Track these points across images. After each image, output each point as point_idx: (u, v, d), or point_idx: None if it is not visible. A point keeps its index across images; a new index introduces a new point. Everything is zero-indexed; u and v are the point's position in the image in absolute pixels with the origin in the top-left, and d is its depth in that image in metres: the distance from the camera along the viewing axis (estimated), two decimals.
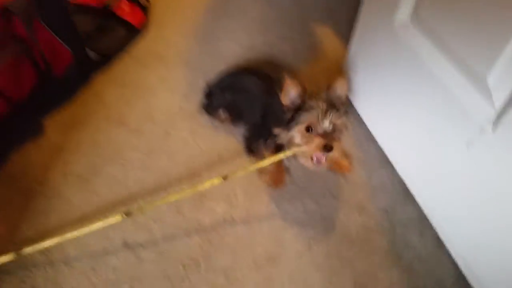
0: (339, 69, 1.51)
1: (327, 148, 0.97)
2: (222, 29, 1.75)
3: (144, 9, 1.75)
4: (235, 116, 1.32)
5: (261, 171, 1.23)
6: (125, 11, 1.68)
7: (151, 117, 1.38)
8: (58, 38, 1.28)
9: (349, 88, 1.04)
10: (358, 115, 1.38)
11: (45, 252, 1.03)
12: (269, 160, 1.05)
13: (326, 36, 1.75)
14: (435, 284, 1.05)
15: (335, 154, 0.99)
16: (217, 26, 1.76)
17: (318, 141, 0.98)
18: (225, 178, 1.03)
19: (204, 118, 1.38)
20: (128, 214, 0.97)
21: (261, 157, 1.17)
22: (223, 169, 1.24)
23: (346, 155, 1.29)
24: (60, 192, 1.16)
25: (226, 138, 1.33)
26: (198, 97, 1.44)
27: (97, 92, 1.45)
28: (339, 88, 1.04)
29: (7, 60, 1.14)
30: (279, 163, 1.20)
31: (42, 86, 1.28)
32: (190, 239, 1.10)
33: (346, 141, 1.33)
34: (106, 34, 1.61)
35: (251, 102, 1.24)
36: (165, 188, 1.19)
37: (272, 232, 1.12)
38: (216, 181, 1.03)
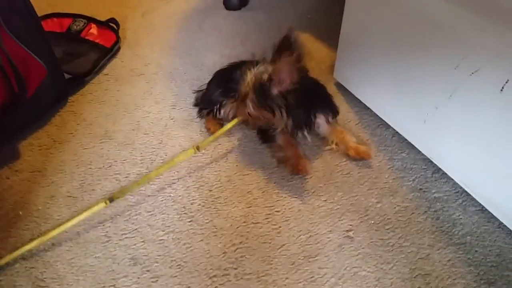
0: (327, 68, 1.45)
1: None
2: (199, 43, 1.65)
3: (115, 31, 1.64)
4: None
5: (280, 161, 1.11)
6: (94, 34, 1.61)
7: (140, 129, 1.23)
8: (28, 50, 1.13)
9: (296, 70, 0.94)
10: (361, 102, 1.29)
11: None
12: (228, 126, 1.07)
13: (308, 41, 1.69)
14: (497, 257, 0.92)
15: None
16: (193, 41, 1.66)
17: None
18: (198, 148, 1.05)
19: (201, 125, 1.25)
20: (111, 199, 0.93)
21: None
22: (230, 169, 1.11)
23: (362, 142, 1.18)
24: (47, 215, 0.98)
25: (228, 140, 1.20)
26: (189, 106, 1.31)
27: (75, 111, 1.29)
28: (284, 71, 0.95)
29: None
30: (296, 149, 1.09)
31: (14, 103, 1.11)
32: (209, 246, 0.93)
33: (356, 129, 1.23)
34: (77, 57, 1.50)
35: None
36: None
37: (303, 229, 0.98)
38: (190, 152, 1.04)
